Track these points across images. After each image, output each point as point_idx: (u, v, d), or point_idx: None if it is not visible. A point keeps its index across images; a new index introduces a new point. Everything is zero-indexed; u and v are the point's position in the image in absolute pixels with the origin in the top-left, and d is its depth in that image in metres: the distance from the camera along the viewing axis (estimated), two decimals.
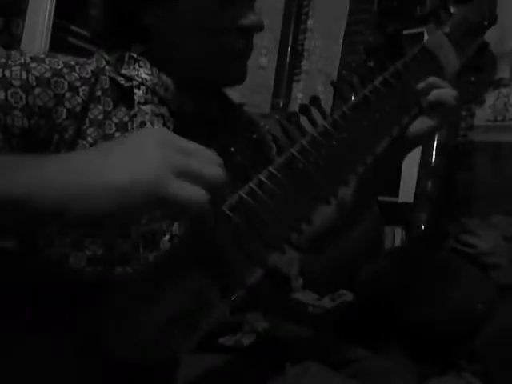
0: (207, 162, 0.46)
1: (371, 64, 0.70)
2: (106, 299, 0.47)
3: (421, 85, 0.74)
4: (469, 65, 0.84)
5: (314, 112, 0.60)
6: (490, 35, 0.88)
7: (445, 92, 0.74)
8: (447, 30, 0.80)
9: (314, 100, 0.60)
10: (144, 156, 0.43)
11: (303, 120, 0.59)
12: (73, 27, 2.05)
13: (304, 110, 0.59)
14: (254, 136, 0.83)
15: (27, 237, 0.61)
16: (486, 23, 0.84)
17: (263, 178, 0.54)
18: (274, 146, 0.57)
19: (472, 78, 0.86)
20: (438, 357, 1.37)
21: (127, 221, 0.58)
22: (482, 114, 2.01)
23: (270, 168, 0.54)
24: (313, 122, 0.60)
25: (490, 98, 2.00)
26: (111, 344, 0.46)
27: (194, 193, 0.43)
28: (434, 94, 0.74)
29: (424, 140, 0.79)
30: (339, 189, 0.60)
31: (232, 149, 0.67)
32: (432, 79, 0.74)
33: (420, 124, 0.75)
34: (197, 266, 0.49)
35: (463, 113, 2.01)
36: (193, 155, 0.45)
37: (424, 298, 1.45)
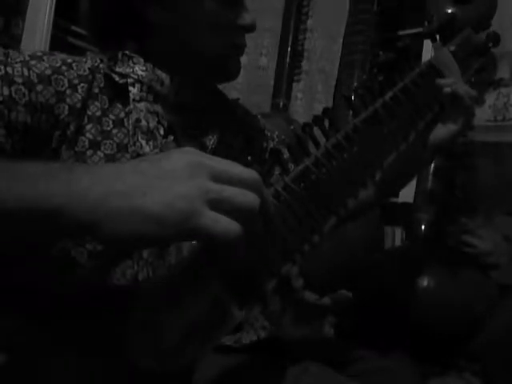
0: (243, 189, 0.44)
1: (381, 78, 0.72)
2: (128, 308, 0.47)
3: (442, 80, 0.77)
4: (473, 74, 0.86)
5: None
6: None
7: (465, 88, 0.78)
8: (453, 48, 0.81)
9: (327, 112, 0.60)
10: (178, 184, 0.42)
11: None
12: (73, 27, 2.06)
13: (318, 121, 0.60)
14: (272, 146, 0.85)
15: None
16: (490, 44, 0.85)
17: (279, 189, 0.54)
18: (288, 155, 0.57)
19: (472, 79, 0.86)
20: (438, 357, 1.37)
21: (156, 246, 0.58)
22: (482, 114, 2.01)
23: (286, 179, 0.55)
24: (325, 134, 0.61)
25: (490, 97, 2.00)
26: (135, 352, 0.47)
27: (228, 227, 0.42)
28: (455, 88, 0.77)
29: (448, 144, 0.83)
30: (349, 201, 0.60)
31: (249, 158, 0.67)
32: (452, 79, 0.78)
33: (442, 129, 0.80)
34: (215, 276, 0.49)
35: None
36: (229, 181, 0.44)
37: (424, 298, 1.45)
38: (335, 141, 0.61)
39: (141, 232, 0.42)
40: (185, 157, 0.45)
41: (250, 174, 0.45)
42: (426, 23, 0.86)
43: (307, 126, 0.59)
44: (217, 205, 0.42)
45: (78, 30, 2.04)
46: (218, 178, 0.44)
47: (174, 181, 0.43)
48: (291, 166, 0.57)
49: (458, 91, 0.77)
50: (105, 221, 0.41)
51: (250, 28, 0.75)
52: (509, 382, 1.23)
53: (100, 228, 0.41)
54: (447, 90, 0.77)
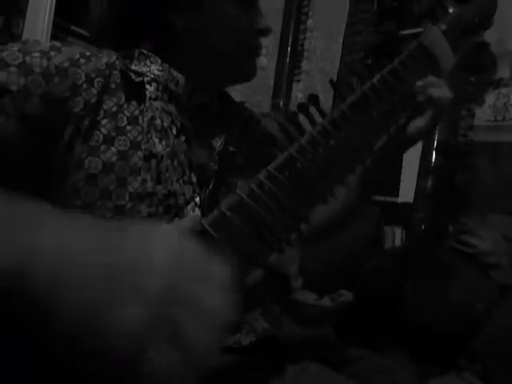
0: (204, 328, 0.39)
1: (369, 62, 0.71)
2: None
3: (419, 83, 0.75)
4: (468, 65, 0.84)
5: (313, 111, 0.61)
6: (490, 35, 0.88)
7: (441, 91, 0.76)
8: (443, 27, 0.80)
9: (313, 99, 0.60)
10: (136, 306, 0.37)
11: (302, 119, 0.59)
12: (73, 27, 2.06)
13: (302, 108, 0.59)
14: (254, 135, 0.85)
15: None
16: (481, 24, 0.84)
17: (263, 178, 0.54)
18: (272, 144, 0.57)
19: (472, 78, 0.86)
20: (438, 357, 1.37)
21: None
22: (482, 114, 2.01)
23: (269, 168, 0.55)
24: (311, 121, 0.60)
25: (490, 98, 2.00)
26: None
27: (170, 369, 0.37)
28: (430, 91, 0.75)
29: (418, 140, 0.80)
30: (337, 188, 0.60)
31: (231, 148, 0.67)
32: (430, 78, 0.75)
33: (414, 125, 0.77)
34: None
35: (463, 113, 2.01)
36: (197, 306, 0.39)
37: (424, 297, 1.45)
38: (320, 127, 0.60)
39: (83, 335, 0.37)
40: (162, 255, 0.39)
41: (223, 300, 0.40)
42: (416, 7, 0.85)
43: (291, 113, 0.58)
44: (171, 340, 0.37)
45: (78, 30, 2.04)
46: (188, 301, 0.39)
47: (134, 299, 0.37)
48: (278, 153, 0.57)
49: (430, 94, 0.74)
50: (60, 298, 0.37)
51: (266, 32, 0.77)
52: (509, 382, 1.23)
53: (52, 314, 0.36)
54: (421, 98, 0.74)
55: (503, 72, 1.94)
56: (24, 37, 1.85)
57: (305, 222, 0.56)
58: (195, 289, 0.39)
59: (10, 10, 1.84)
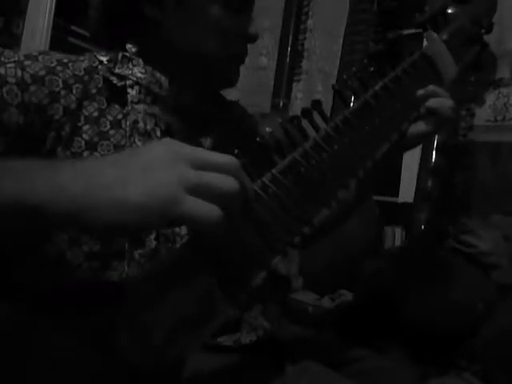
0: (221, 174, 0.45)
1: (372, 69, 0.71)
2: (116, 302, 0.47)
3: (420, 92, 0.75)
4: (468, 65, 0.84)
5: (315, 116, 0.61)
6: (490, 35, 0.88)
7: (442, 101, 0.76)
8: (445, 37, 0.80)
9: (316, 104, 0.60)
10: (158, 173, 0.43)
11: (305, 123, 0.60)
12: (73, 27, 2.06)
13: (306, 113, 0.59)
14: (258, 139, 0.85)
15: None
16: (483, 31, 0.85)
17: (267, 181, 0.54)
18: (276, 148, 0.57)
19: (472, 78, 0.86)
20: (438, 357, 1.37)
21: (138, 234, 0.60)
22: (482, 114, 2.01)
23: (274, 171, 0.55)
24: (314, 126, 0.60)
25: (490, 97, 2.00)
26: (124, 347, 0.46)
27: (207, 211, 0.43)
28: (431, 102, 0.75)
29: (419, 143, 0.81)
30: (340, 192, 0.60)
31: (236, 151, 0.67)
32: (431, 87, 0.76)
33: (416, 128, 0.77)
34: (204, 270, 0.49)
35: (463, 113, 2.01)
36: (207, 167, 0.45)
37: (424, 297, 1.45)
38: (324, 133, 0.61)
39: (123, 221, 0.43)
40: (164, 147, 0.46)
41: (228, 159, 0.46)
42: (417, 14, 0.84)
43: (295, 118, 0.59)
44: (197, 191, 0.43)
45: (78, 30, 2.04)
46: (197, 164, 0.45)
47: (154, 170, 0.44)
48: (280, 158, 0.57)
49: (431, 106, 0.75)
50: (87, 211, 0.42)
51: (252, 39, 0.75)
52: (509, 382, 1.23)
53: (83, 218, 0.43)
54: (422, 107, 0.75)
55: (503, 72, 1.94)
56: (24, 37, 1.85)
57: (308, 226, 0.56)
58: (196, 151, 0.46)
59: (10, 10, 1.84)
